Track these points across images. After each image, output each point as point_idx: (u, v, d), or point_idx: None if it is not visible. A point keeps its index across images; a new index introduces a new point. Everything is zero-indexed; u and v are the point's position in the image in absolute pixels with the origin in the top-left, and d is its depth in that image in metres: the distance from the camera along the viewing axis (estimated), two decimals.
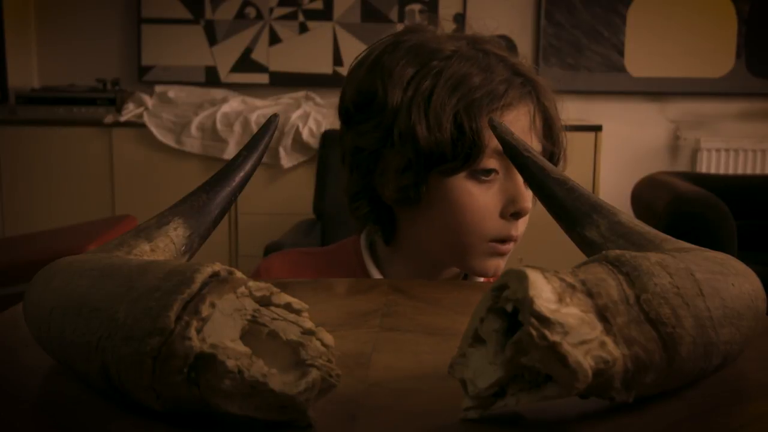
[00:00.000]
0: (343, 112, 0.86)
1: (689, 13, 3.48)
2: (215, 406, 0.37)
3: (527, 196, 0.80)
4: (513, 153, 0.64)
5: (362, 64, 0.85)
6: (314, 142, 2.98)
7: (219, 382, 0.36)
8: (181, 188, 0.77)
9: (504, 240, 0.82)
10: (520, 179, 0.80)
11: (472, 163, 0.79)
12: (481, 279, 0.87)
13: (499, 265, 0.84)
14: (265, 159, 0.78)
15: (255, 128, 2.94)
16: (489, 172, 0.80)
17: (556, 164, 0.85)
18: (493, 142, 0.78)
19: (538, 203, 0.65)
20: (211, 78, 3.43)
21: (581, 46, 3.49)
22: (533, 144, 0.81)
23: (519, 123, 0.80)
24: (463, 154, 0.78)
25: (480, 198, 0.80)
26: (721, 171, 3.51)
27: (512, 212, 0.80)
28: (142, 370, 0.37)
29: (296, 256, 0.95)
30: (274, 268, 0.92)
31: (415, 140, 0.78)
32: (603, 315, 0.38)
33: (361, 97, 0.83)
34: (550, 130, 0.83)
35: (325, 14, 3.43)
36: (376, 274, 0.89)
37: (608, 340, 0.38)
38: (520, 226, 0.82)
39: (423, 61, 0.80)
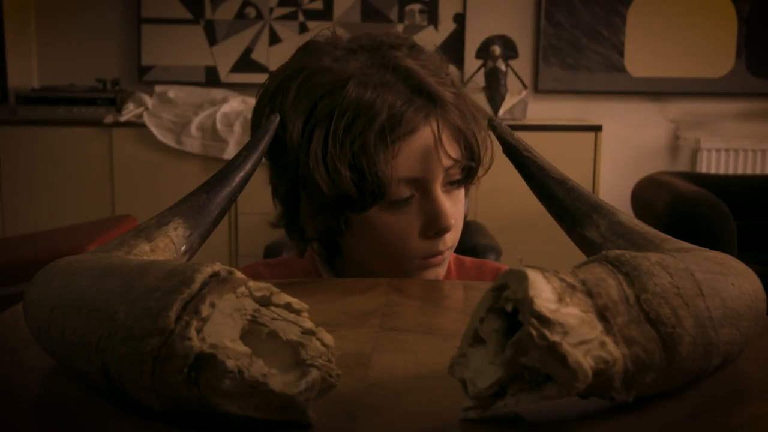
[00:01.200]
0: None
1: (689, 13, 3.48)
2: (215, 406, 0.37)
3: (447, 214, 0.77)
4: (513, 153, 0.64)
5: (264, 96, 0.81)
6: None
7: (219, 382, 0.36)
8: (181, 188, 0.77)
9: (434, 255, 0.80)
10: (438, 198, 0.78)
11: (380, 200, 0.76)
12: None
13: (438, 273, 0.82)
14: (265, 159, 0.78)
15: None
16: (402, 201, 0.78)
17: (472, 177, 0.81)
18: (400, 172, 0.75)
19: (539, 203, 0.65)
20: (211, 78, 3.43)
21: (581, 46, 3.49)
22: (443, 161, 0.77)
23: (423, 146, 0.76)
24: (369, 194, 0.76)
25: (397, 225, 0.78)
26: (721, 171, 3.51)
27: (433, 233, 0.78)
28: (142, 370, 0.37)
29: (257, 269, 0.94)
30: None
31: (318, 188, 0.75)
32: (603, 315, 0.38)
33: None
34: (461, 143, 0.79)
35: (325, 14, 3.43)
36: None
37: (608, 340, 0.38)
38: (449, 238, 0.80)
39: (315, 100, 0.76)
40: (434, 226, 0.78)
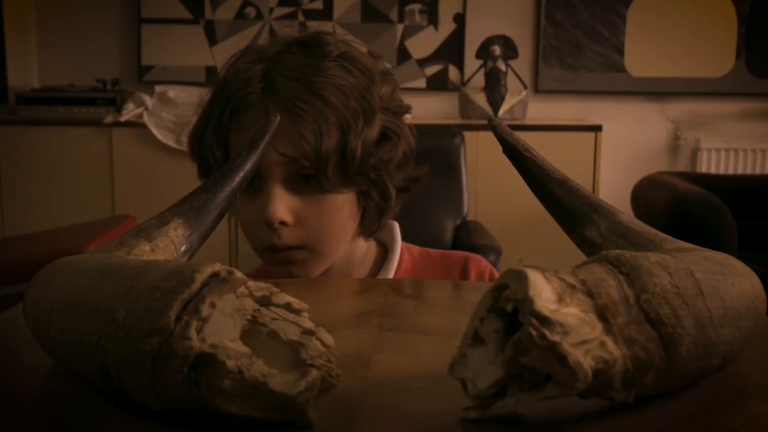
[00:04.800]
0: None
1: (689, 13, 3.48)
2: (215, 406, 0.37)
3: (270, 207, 0.78)
4: (513, 153, 0.64)
5: None
6: None
7: (219, 382, 0.36)
8: (181, 188, 0.77)
9: (273, 249, 0.81)
10: (271, 189, 0.79)
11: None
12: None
13: (292, 272, 0.83)
14: None
15: None
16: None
17: (320, 176, 0.80)
18: (232, 152, 0.80)
19: (539, 203, 0.65)
20: (211, 78, 3.42)
21: (581, 46, 3.49)
22: (272, 153, 0.78)
23: (252, 130, 0.78)
24: (211, 166, 0.82)
25: (244, 207, 0.82)
26: (721, 171, 3.51)
27: (263, 222, 0.79)
28: (142, 370, 0.37)
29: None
30: None
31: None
32: (603, 315, 0.38)
33: None
34: (296, 137, 0.78)
35: (325, 14, 3.43)
36: None
37: (608, 340, 0.38)
38: (291, 233, 0.80)
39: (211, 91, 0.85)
40: (262, 216, 0.79)
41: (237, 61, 0.84)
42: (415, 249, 0.96)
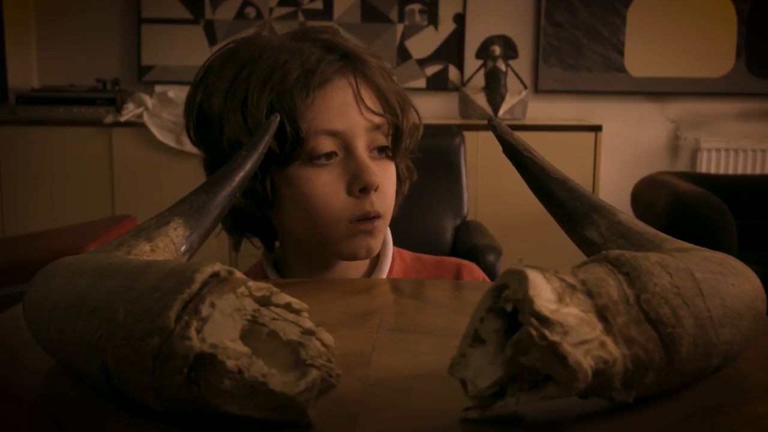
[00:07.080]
0: (188, 133, 0.86)
1: (689, 13, 3.48)
2: (215, 406, 0.37)
3: (371, 170, 0.78)
4: (513, 153, 0.64)
5: (197, 76, 0.85)
6: None
7: (219, 382, 0.36)
8: (181, 188, 0.77)
9: (362, 218, 0.79)
10: (362, 154, 0.79)
11: (300, 148, 0.77)
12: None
13: (370, 244, 0.81)
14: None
15: None
16: (324, 156, 0.79)
17: (398, 146, 0.84)
18: (318, 123, 0.77)
19: (539, 203, 0.65)
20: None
21: (581, 46, 3.49)
22: (364, 115, 0.79)
23: (340, 96, 0.79)
24: (288, 144, 0.77)
25: (319, 181, 0.78)
26: (721, 171, 3.51)
27: (359, 188, 0.78)
28: (142, 370, 0.37)
29: None
30: None
31: (239, 143, 0.77)
32: (603, 315, 0.38)
33: (192, 116, 0.84)
34: (383, 101, 0.81)
35: (325, 14, 3.43)
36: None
37: (608, 340, 0.38)
38: (378, 200, 0.80)
39: (238, 67, 0.79)
40: (359, 181, 0.78)
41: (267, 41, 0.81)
42: (407, 254, 0.96)
